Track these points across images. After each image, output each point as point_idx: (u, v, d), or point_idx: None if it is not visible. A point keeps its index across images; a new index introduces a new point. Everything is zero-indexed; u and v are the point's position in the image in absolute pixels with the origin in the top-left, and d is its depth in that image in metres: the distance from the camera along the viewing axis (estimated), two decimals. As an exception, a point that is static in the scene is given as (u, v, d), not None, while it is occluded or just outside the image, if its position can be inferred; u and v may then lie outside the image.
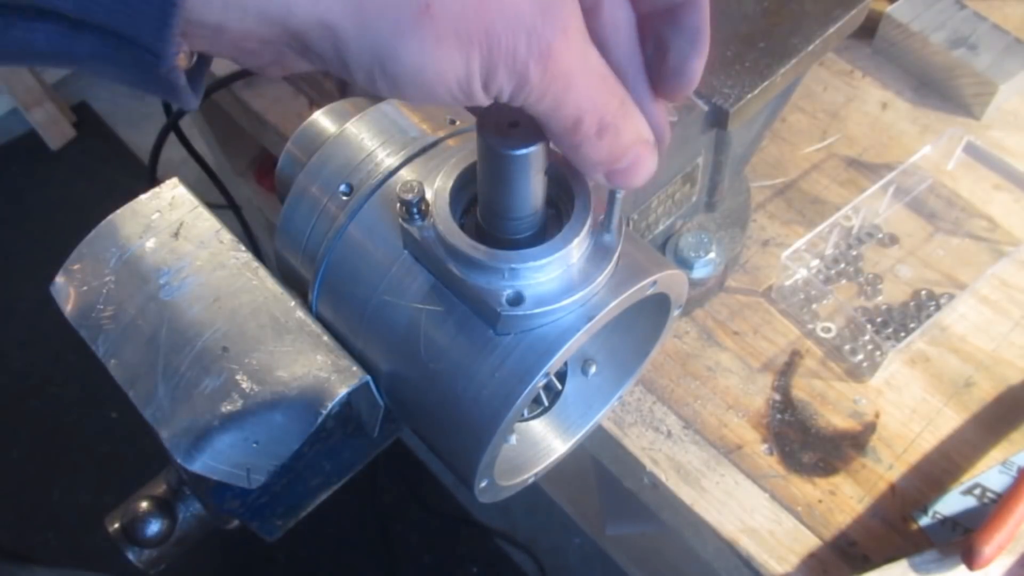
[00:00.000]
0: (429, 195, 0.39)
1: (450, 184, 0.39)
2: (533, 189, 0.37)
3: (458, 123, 0.46)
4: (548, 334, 0.38)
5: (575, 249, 0.38)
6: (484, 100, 0.32)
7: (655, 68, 0.36)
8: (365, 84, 0.31)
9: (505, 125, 0.34)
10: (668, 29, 0.35)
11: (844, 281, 0.77)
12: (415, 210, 0.39)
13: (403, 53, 0.29)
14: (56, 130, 2.23)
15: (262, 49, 0.30)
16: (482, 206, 0.39)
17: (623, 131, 0.34)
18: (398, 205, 0.39)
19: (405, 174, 0.43)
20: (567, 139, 0.34)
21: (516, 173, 0.36)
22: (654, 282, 0.41)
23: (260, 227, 1.52)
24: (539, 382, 0.38)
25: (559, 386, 0.54)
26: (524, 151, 0.34)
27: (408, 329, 0.41)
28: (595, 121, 0.33)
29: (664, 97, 0.37)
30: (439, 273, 0.40)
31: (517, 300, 0.37)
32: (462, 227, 0.39)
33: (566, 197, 0.40)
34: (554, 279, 0.38)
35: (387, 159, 0.44)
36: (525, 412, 0.53)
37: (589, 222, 0.38)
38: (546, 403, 0.54)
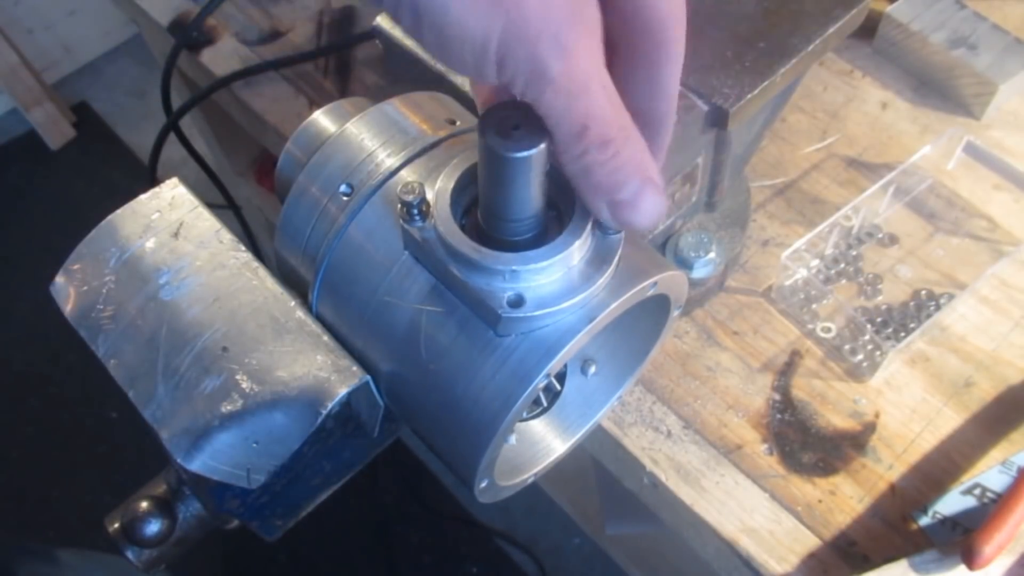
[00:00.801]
0: (430, 196, 0.39)
1: (451, 185, 0.39)
2: (534, 191, 0.37)
3: (459, 124, 0.46)
4: (549, 336, 0.38)
5: (576, 251, 0.38)
6: (493, 77, 0.32)
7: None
8: (390, 8, 0.31)
9: (507, 127, 0.34)
10: (633, 36, 0.36)
11: (844, 281, 0.77)
12: (416, 211, 0.39)
13: (439, 5, 0.29)
14: (56, 130, 2.23)
15: None
16: (483, 208, 0.39)
17: (626, 155, 0.34)
18: (399, 206, 0.39)
19: (406, 175, 0.43)
20: (573, 146, 0.34)
21: (517, 176, 0.36)
22: (654, 283, 0.41)
23: (260, 227, 1.53)
24: (540, 383, 0.38)
25: (558, 387, 0.54)
26: (526, 153, 0.34)
27: (408, 330, 0.41)
28: (601, 134, 0.33)
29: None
30: (440, 274, 0.40)
31: (518, 302, 0.37)
32: (463, 228, 0.39)
33: (567, 199, 0.40)
34: (555, 281, 0.38)
35: (387, 159, 0.44)
36: (524, 412, 0.53)
37: (590, 224, 0.38)
38: (545, 403, 0.54)
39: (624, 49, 0.37)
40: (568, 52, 0.31)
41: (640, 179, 0.35)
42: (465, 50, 0.31)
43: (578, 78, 0.32)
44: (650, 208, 0.35)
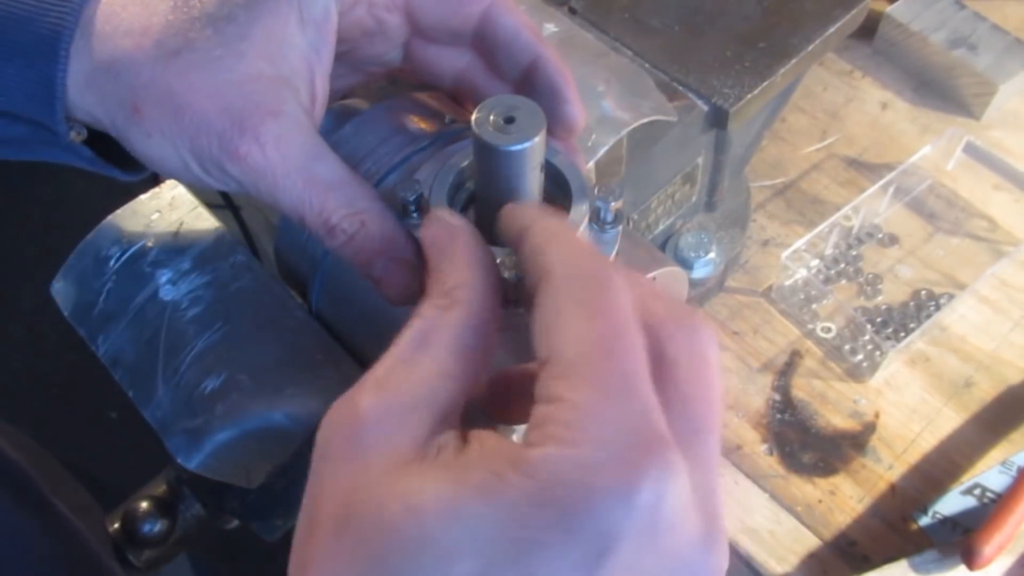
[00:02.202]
0: (427, 192, 0.39)
1: (448, 181, 0.39)
2: (530, 185, 0.37)
3: (458, 122, 0.46)
4: None
5: None
6: (215, 183, 0.37)
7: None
8: None
9: (500, 121, 0.34)
10: (532, 94, 0.38)
11: (844, 281, 0.77)
12: (413, 208, 0.39)
13: (132, 140, 0.36)
14: (56, 130, 2.23)
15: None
16: (479, 203, 0.39)
17: (358, 239, 0.36)
18: (397, 203, 0.39)
19: (404, 172, 0.43)
20: (313, 230, 0.37)
21: (512, 169, 0.35)
22: (653, 279, 0.41)
23: (259, 227, 1.52)
24: None
25: None
26: (520, 146, 0.34)
27: None
28: (318, 222, 0.36)
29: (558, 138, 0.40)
30: None
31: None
32: None
33: (563, 194, 0.40)
34: None
35: (386, 157, 0.44)
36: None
37: (586, 219, 0.38)
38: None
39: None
40: (235, 155, 0.35)
41: (383, 259, 0.36)
42: (180, 172, 0.37)
43: (260, 174, 0.35)
44: (397, 285, 0.36)
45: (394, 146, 0.44)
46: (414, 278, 0.36)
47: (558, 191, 0.40)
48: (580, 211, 0.38)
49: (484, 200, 0.39)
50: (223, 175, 0.36)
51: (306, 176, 0.36)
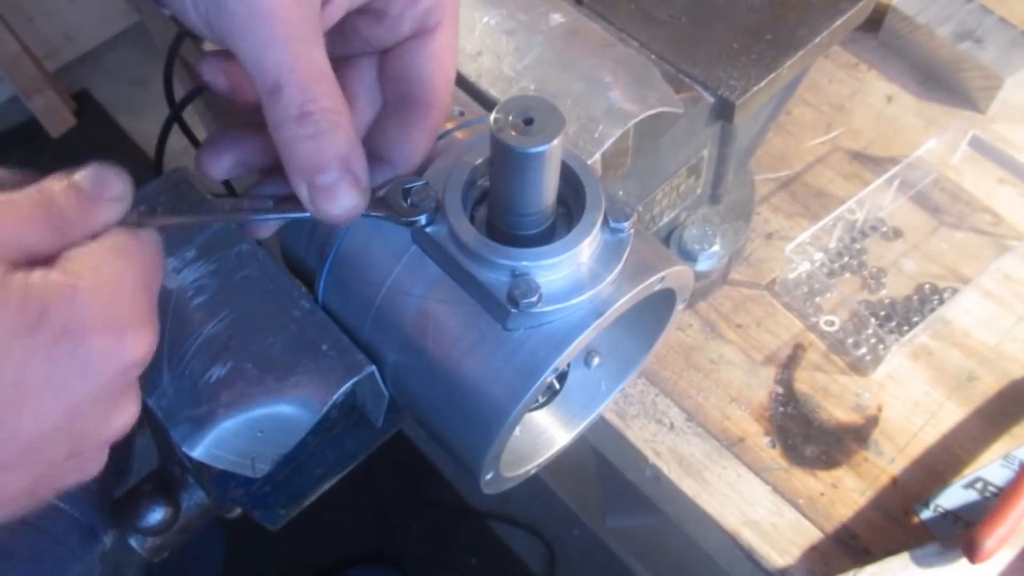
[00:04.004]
0: (440, 189, 0.39)
1: (462, 179, 0.39)
2: (547, 186, 0.37)
3: (467, 114, 0.45)
4: (557, 331, 0.38)
5: (586, 248, 0.38)
6: (212, 16, 0.35)
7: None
8: None
9: (520, 122, 0.34)
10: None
11: (848, 275, 0.77)
12: (426, 204, 0.39)
13: None
14: (57, 118, 2.22)
15: None
16: (494, 202, 0.39)
17: (329, 140, 0.35)
18: (408, 199, 0.39)
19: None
20: (270, 108, 0.35)
21: (531, 170, 0.36)
22: (662, 278, 0.41)
23: (262, 217, 1.52)
24: (548, 377, 0.38)
25: (557, 387, 0.54)
26: (540, 149, 0.34)
27: (417, 323, 0.41)
28: (295, 100, 0.34)
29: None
30: (449, 268, 0.40)
31: (527, 297, 0.37)
32: (472, 222, 0.39)
33: (575, 194, 0.40)
34: (564, 277, 0.38)
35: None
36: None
37: (600, 220, 0.38)
38: (548, 395, 0.54)
39: (388, 102, 0.41)
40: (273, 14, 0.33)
41: (339, 169, 0.35)
42: None
43: (281, 34, 0.33)
44: (346, 202, 0.35)
45: None
46: (362, 199, 0.36)
47: (571, 191, 0.40)
48: (594, 214, 0.38)
49: (499, 199, 0.39)
50: (220, 11, 0.33)
51: (305, 50, 0.34)
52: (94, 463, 0.34)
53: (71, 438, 0.31)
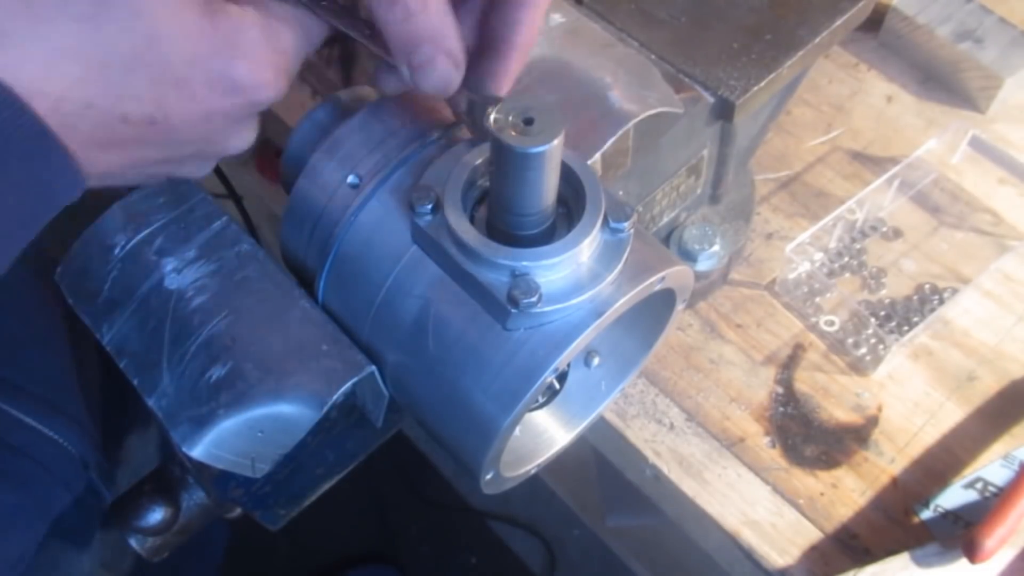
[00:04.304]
0: (440, 189, 0.39)
1: (462, 179, 0.39)
2: (547, 186, 0.37)
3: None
4: (557, 331, 0.38)
5: (586, 248, 0.38)
6: None
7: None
8: None
9: (519, 122, 0.34)
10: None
11: (848, 275, 0.77)
12: (426, 204, 0.39)
13: None
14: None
15: None
16: (494, 202, 0.39)
17: (421, 21, 0.37)
18: (409, 199, 0.39)
19: (415, 167, 0.43)
20: None
21: (531, 170, 0.36)
22: (662, 278, 0.41)
23: (261, 217, 1.52)
24: (548, 378, 0.38)
25: (557, 387, 0.54)
26: (540, 148, 0.34)
27: (417, 322, 0.41)
28: None
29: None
30: (449, 268, 0.40)
31: (527, 297, 0.37)
32: (472, 222, 0.39)
33: (575, 194, 0.40)
34: (564, 277, 0.38)
35: (397, 150, 0.43)
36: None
37: (600, 220, 0.38)
38: (548, 395, 0.54)
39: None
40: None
41: (432, 48, 0.38)
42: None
43: None
44: (439, 75, 0.38)
45: (402, 140, 0.44)
46: (457, 72, 0.38)
47: (571, 191, 0.40)
48: (594, 214, 0.38)
49: (499, 198, 0.39)
50: None
51: None
52: (204, 168, 0.42)
53: (202, 140, 0.38)
